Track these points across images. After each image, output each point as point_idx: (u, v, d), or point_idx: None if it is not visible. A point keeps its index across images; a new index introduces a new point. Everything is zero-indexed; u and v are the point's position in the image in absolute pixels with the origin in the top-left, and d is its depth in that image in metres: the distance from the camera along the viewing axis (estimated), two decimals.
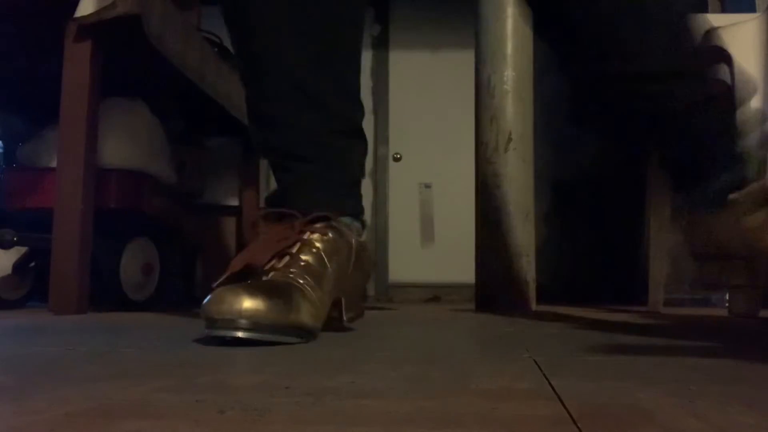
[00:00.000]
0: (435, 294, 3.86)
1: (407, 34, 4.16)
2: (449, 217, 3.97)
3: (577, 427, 0.33)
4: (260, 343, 0.69)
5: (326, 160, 0.90)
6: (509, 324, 1.14)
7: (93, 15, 1.31)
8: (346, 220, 0.88)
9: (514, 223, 1.73)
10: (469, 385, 0.47)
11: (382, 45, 4.17)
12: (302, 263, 0.79)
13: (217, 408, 0.37)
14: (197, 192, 2.10)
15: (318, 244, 0.81)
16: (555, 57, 0.94)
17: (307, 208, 0.84)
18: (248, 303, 0.69)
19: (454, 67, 3.86)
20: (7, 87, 1.73)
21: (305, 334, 0.75)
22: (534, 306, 1.74)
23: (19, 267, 1.61)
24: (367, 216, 2.86)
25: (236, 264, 0.78)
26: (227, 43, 2.06)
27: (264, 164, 2.25)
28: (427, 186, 4.12)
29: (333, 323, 0.85)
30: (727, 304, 1.66)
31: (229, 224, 2.33)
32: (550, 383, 0.46)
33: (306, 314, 0.75)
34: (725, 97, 0.91)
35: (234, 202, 2.32)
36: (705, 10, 2.05)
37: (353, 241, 0.87)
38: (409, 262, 4.05)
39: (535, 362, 0.56)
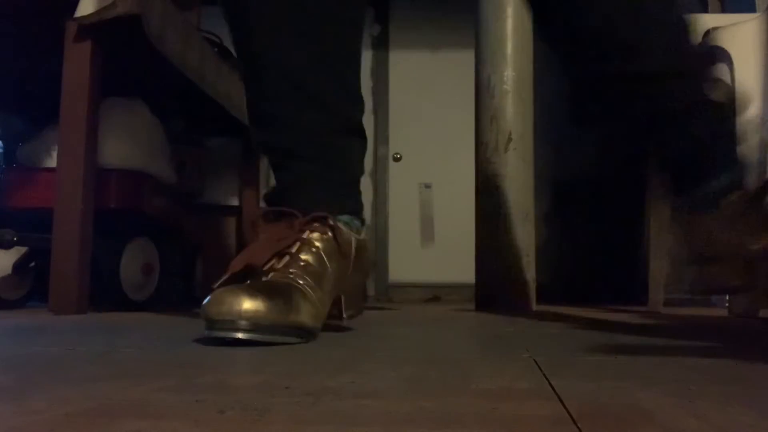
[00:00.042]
0: (435, 294, 3.86)
1: (407, 34, 4.16)
2: (449, 217, 3.97)
3: (577, 427, 0.33)
4: (260, 344, 0.69)
5: (326, 159, 0.90)
6: (509, 324, 1.14)
7: (93, 15, 1.31)
8: (346, 218, 0.88)
9: (514, 223, 1.73)
10: (469, 385, 0.47)
11: (382, 45, 4.17)
12: (302, 263, 0.79)
13: (217, 408, 0.37)
14: (197, 192, 2.10)
15: (318, 244, 0.81)
16: (555, 57, 0.93)
17: (307, 206, 0.83)
18: (248, 304, 0.68)
19: (454, 67, 3.86)
20: (7, 87, 1.73)
21: (305, 334, 0.75)
22: (534, 306, 1.74)
23: (19, 267, 1.61)
24: (367, 216, 2.87)
25: (236, 264, 0.78)
26: (227, 43, 2.07)
27: (264, 164, 2.26)
28: (427, 186, 4.12)
29: (333, 321, 0.85)
30: (727, 304, 1.66)
31: (229, 224, 2.33)
32: (550, 383, 0.46)
33: (306, 314, 0.75)
34: (725, 99, 0.91)
35: (234, 202, 2.32)
36: (705, 11, 2.05)
37: (353, 239, 0.87)
38: (409, 262, 4.05)
39: (535, 362, 0.56)
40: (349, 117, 0.93)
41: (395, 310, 1.87)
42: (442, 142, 4.01)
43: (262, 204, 0.95)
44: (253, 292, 0.70)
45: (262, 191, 2.34)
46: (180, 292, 1.91)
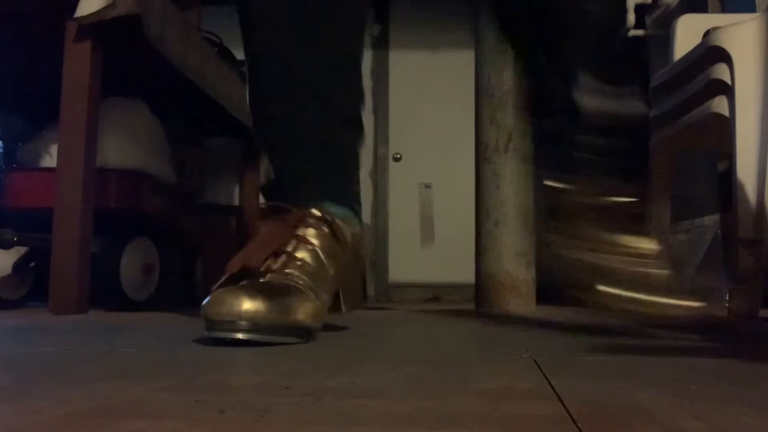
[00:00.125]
0: (435, 294, 3.86)
1: (407, 34, 4.16)
2: (449, 217, 3.97)
3: (577, 427, 0.33)
4: (260, 344, 0.69)
5: (324, 152, 0.89)
6: (509, 324, 1.14)
7: (93, 15, 1.31)
8: (340, 211, 0.87)
9: (514, 223, 1.73)
10: (469, 385, 0.47)
11: (382, 45, 4.17)
12: (299, 262, 0.78)
13: (217, 408, 0.37)
14: (197, 192, 2.10)
15: (314, 240, 0.80)
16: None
17: (303, 199, 0.83)
18: (248, 304, 0.68)
19: (454, 67, 3.86)
20: (7, 87, 1.73)
21: (305, 334, 0.75)
22: (534, 306, 1.74)
23: (19, 267, 1.61)
24: (367, 216, 2.86)
25: (233, 267, 0.77)
26: (227, 43, 2.07)
27: (264, 164, 2.25)
28: (427, 186, 4.12)
29: (333, 313, 0.85)
30: (727, 304, 1.66)
31: (229, 224, 2.33)
32: (550, 383, 0.46)
33: (305, 314, 0.75)
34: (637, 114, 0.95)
35: (234, 202, 2.32)
36: (705, 11, 2.05)
37: (349, 233, 0.86)
38: (409, 262, 4.04)
39: (535, 362, 0.56)
40: (350, 113, 0.93)
41: (395, 310, 1.87)
42: (442, 142, 4.00)
43: (261, 197, 0.94)
44: (253, 293, 0.70)
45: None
46: (180, 292, 1.91)
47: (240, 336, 0.68)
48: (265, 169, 0.93)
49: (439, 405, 0.39)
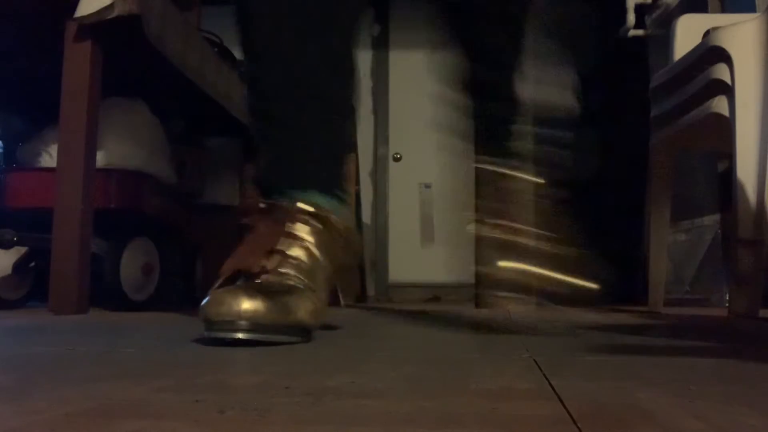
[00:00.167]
0: (435, 294, 3.86)
1: (407, 34, 4.16)
2: (449, 217, 3.97)
3: (577, 427, 0.33)
4: (260, 344, 0.69)
5: (317, 147, 0.88)
6: (509, 324, 1.14)
7: (93, 15, 1.31)
8: (330, 203, 0.86)
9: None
10: (469, 385, 0.47)
11: (382, 45, 4.17)
12: (293, 260, 0.78)
13: (217, 408, 0.37)
14: (197, 192, 2.10)
15: (306, 236, 0.79)
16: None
17: (293, 193, 0.82)
18: (247, 304, 0.68)
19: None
20: (7, 87, 1.73)
21: (305, 332, 0.75)
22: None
23: (19, 267, 1.60)
24: (367, 216, 2.86)
25: (226, 270, 0.77)
26: (227, 43, 2.07)
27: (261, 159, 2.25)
28: (427, 186, 4.12)
29: (333, 309, 0.84)
30: (727, 304, 1.66)
31: (229, 224, 2.33)
32: (550, 383, 0.46)
33: (305, 312, 0.75)
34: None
35: (234, 202, 2.32)
36: (705, 11, 2.05)
37: (341, 225, 0.85)
38: (409, 262, 4.04)
39: (535, 362, 0.56)
40: (346, 110, 0.92)
41: (395, 310, 1.87)
42: (442, 142, 4.00)
43: (251, 186, 0.94)
44: (252, 292, 0.70)
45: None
46: (180, 292, 1.91)
47: (240, 336, 0.68)
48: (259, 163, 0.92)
49: (439, 405, 0.39)
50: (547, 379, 0.48)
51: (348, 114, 0.93)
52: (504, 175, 0.93)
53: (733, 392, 0.45)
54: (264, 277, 0.76)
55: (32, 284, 1.68)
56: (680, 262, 2.15)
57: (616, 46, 2.56)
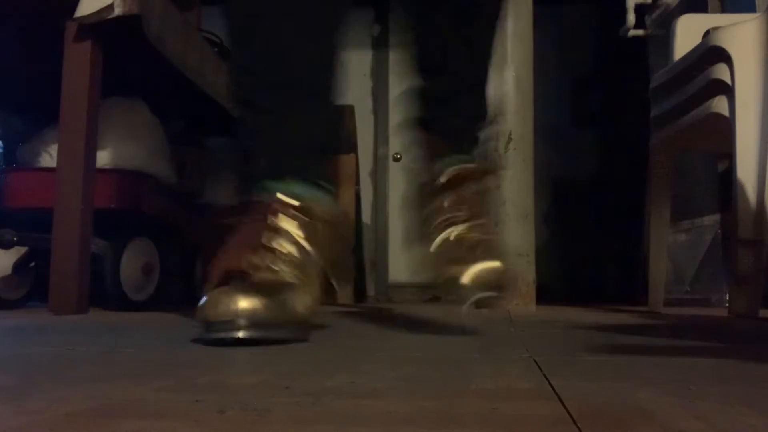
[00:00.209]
0: (435, 294, 3.86)
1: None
2: None
3: (577, 427, 0.33)
4: (260, 342, 0.69)
5: (300, 139, 0.88)
6: (509, 324, 1.14)
7: (93, 15, 1.31)
8: (310, 191, 0.85)
9: (514, 223, 1.73)
10: (469, 385, 0.47)
11: (382, 45, 4.17)
12: (284, 255, 0.77)
13: (217, 408, 0.37)
14: (197, 192, 2.10)
15: (292, 229, 0.79)
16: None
17: (273, 185, 0.82)
18: (245, 303, 0.69)
19: None
20: (7, 87, 1.73)
21: (303, 325, 0.75)
22: (534, 306, 1.74)
23: (19, 267, 1.60)
24: (367, 216, 2.87)
25: (216, 272, 0.77)
26: (227, 43, 2.07)
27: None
28: None
29: (327, 299, 0.84)
30: (727, 304, 1.66)
31: (229, 224, 2.32)
32: (550, 383, 0.46)
33: (301, 305, 0.75)
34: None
35: (234, 202, 2.32)
36: (705, 11, 2.05)
37: (326, 215, 0.85)
38: (409, 262, 4.04)
39: (535, 362, 0.56)
40: (331, 102, 0.92)
41: (395, 310, 1.87)
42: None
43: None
44: (247, 290, 0.70)
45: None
46: (180, 292, 1.91)
47: (240, 334, 0.68)
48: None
49: (439, 405, 0.39)
50: (547, 379, 0.48)
51: (331, 106, 0.93)
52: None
53: (733, 392, 0.45)
54: (255, 273, 0.75)
55: (32, 284, 1.67)
56: (680, 262, 2.15)
57: (616, 46, 2.57)
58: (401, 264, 4.09)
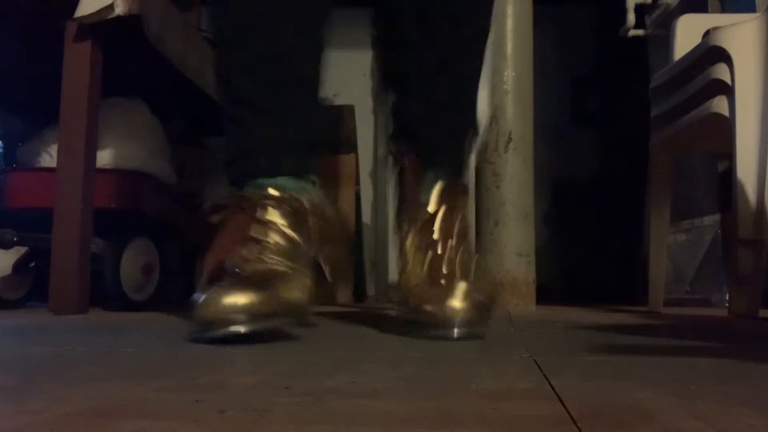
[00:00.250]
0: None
1: None
2: None
3: (577, 427, 0.33)
4: (260, 340, 0.69)
5: (287, 130, 0.88)
6: (509, 324, 1.14)
7: (93, 15, 1.31)
8: (295, 183, 0.84)
9: (514, 223, 1.73)
10: (469, 385, 0.47)
11: None
12: (272, 246, 0.77)
13: (217, 408, 0.37)
14: (197, 192, 2.10)
15: (280, 221, 0.79)
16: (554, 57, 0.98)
17: (257, 177, 0.82)
18: (241, 298, 0.69)
19: None
20: (7, 87, 1.73)
21: (301, 312, 0.75)
22: (534, 306, 1.74)
23: (19, 267, 1.60)
24: (367, 216, 2.87)
25: (208, 265, 0.78)
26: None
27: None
28: None
29: (321, 285, 0.84)
30: (727, 304, 1.66)
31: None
32: (550, 383, 0.46)
33: (296, 293, 0.75)
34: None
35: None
36: (705, 10, 2.05)
37: (314, 206, 0.84)
38: None
39: (535, 362, 0.56)
40: (316, 93, 0.92)
41: (395, 310, 1.87)
42: None
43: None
44: (242, 285, 0.70)
45: None
46: (180, 292, 1.91)
47: (242, 329, 0.68)
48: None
49: (439, 405, 0.39)
50: (547, 379, 0.48)
51: (316, 101, 0.92)
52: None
53: (733, 392, 0.45)
54: (246, 266, 0.76)
55: (32, 284, 1.67)
56: (680, 262, 2.15)
57: (616, 46, 2.57)
58: None
